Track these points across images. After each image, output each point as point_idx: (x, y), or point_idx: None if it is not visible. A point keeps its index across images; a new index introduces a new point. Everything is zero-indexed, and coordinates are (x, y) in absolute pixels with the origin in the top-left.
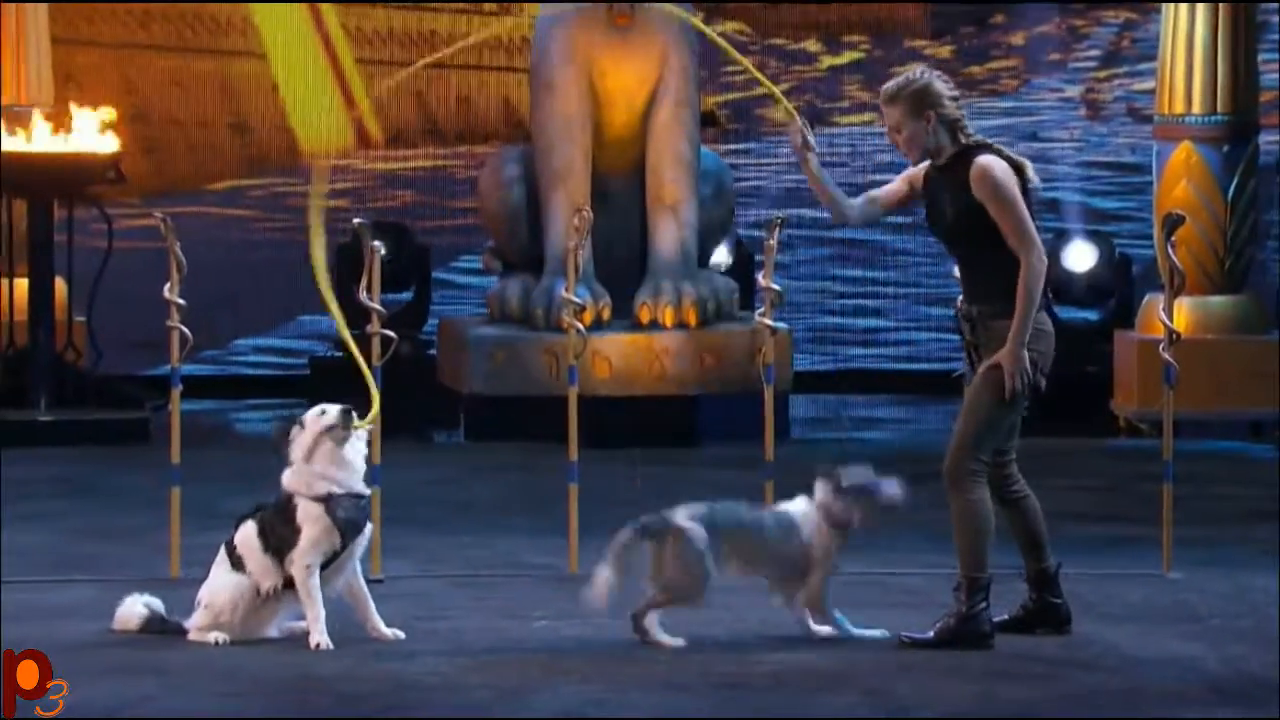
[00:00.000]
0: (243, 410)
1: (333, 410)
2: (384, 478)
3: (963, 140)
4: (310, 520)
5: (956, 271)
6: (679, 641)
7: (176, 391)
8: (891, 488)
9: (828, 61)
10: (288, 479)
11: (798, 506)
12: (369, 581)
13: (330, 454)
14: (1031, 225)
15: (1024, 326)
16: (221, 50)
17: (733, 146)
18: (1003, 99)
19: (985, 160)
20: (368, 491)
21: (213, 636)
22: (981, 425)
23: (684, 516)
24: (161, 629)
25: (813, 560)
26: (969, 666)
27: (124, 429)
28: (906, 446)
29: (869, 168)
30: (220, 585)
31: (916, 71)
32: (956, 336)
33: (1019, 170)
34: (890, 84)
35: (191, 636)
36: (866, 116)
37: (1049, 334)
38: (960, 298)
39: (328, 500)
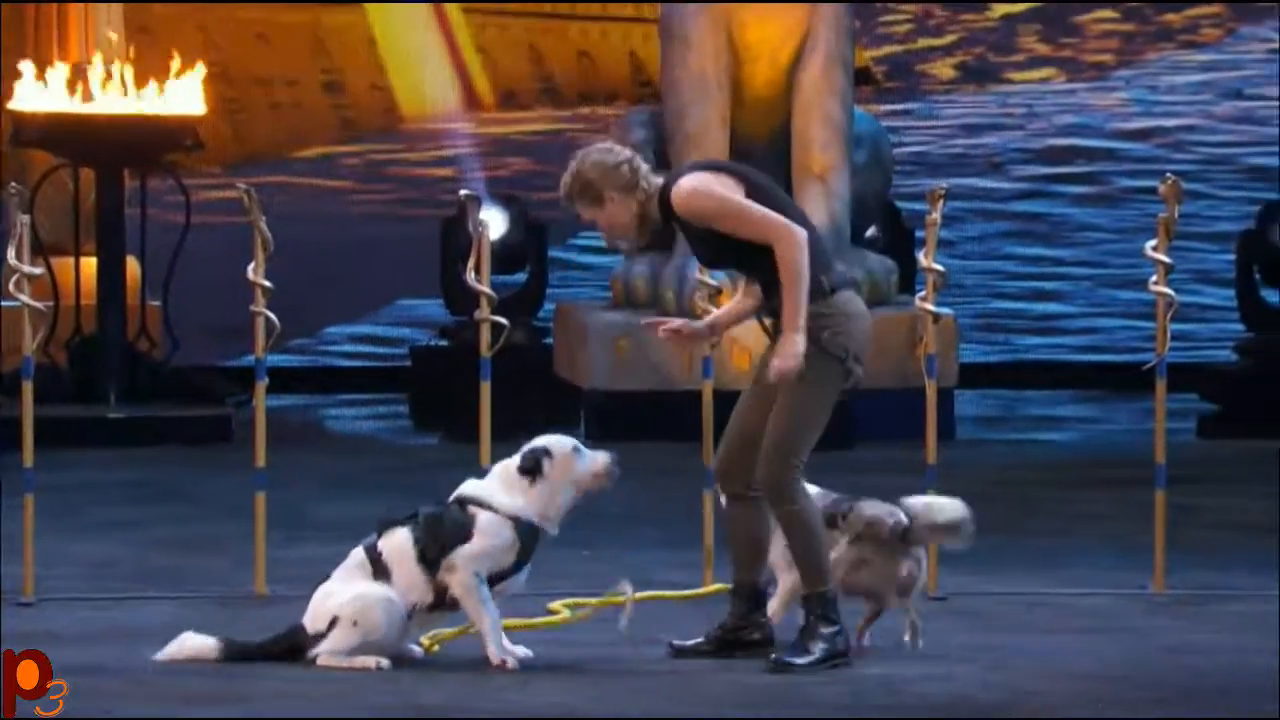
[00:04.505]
0: (336, 406)
1: (602, 457)
2: None
3: (651, 191)
4: (491, 532)
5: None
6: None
7: (262, 385)
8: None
9: (1001, 10)
10: (480, 490)
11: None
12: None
13: (551, 492)
14: (764, 213)
15: (797, 312)
16: None
17: (891, 107)
18: (1202, 50)
19: (675, 190)
20: (553, 533)
21: (372, 661)
22: (796, 427)
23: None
24: (243, 656)
25: None
26: (1165, 698)
27: (203, 427)
28: (1092, 448)
29: (1050, 131)
30: (370, 600)
31: (574, 163)
32: (1148, 323)
33: (726, 170)
34: (561, 184)
35: (331, 662)
36: (1045, 72)
37: (859, 315)
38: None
39: (516, 519)
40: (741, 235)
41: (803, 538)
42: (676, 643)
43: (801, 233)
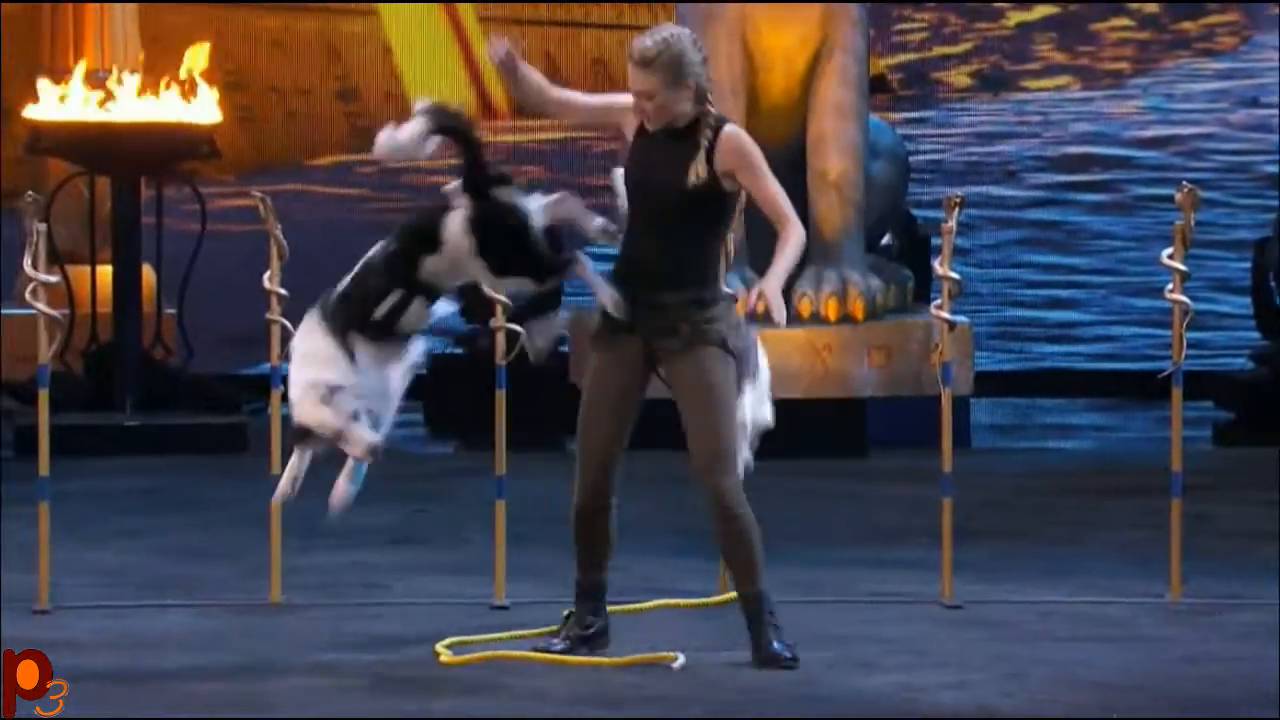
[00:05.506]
0: None
1: None
2: (510, 490)
3: (701, 106)
4: None
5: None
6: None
7: (277, 393)
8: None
9: (1016, 18)
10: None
11: None
12: (494, 608)
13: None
14: (783, 193)
15: (787, 270)
16: (328, 8)
17: (907, 115)
18: (1219, 59)
19: (737, 130)
20: None
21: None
22: (730, 430)
23: None
24: None
25: None
26: (1182, 707)
27: (219, 435)
28: (1108, 456)
29: (1066, 138)
30: None
31: (671, 33)
32: (1164, 331)
33: None
34: (645, 45)
35: None
36: (1061, 80)
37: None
38: (630, 280)
39: None
40: (762, 195)
41: (750, 539)
42: (539, 644)
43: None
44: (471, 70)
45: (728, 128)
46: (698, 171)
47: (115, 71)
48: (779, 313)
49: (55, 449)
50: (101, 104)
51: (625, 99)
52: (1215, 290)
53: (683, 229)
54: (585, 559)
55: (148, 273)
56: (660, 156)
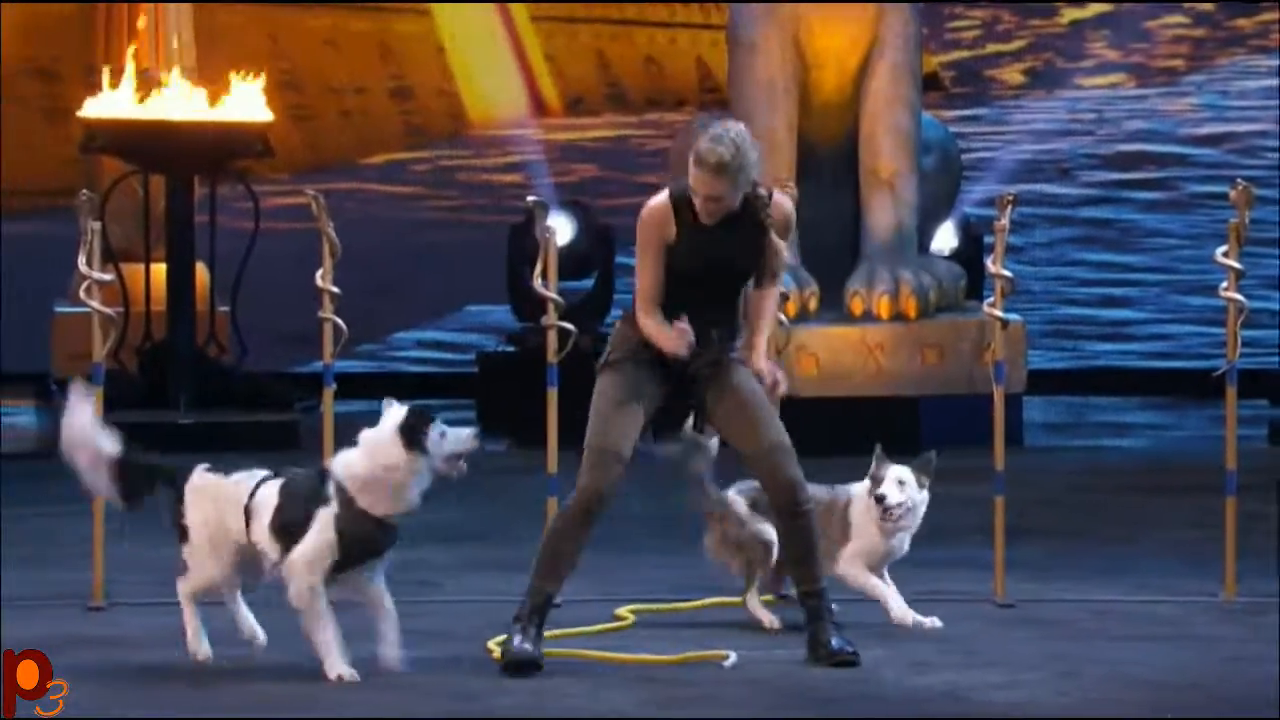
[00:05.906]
0: None
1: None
2: (561, 488)
3: (757, 191)
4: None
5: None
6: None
7: (329, 391)
8: None
9: (1070, 15)
10: (346, 470)
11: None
12: (553, 606)
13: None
14: None
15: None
16: (381, 7)
17: (959, 113)
18: (1273, 56)
19: (781, 194)
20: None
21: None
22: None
23: (733, 491)
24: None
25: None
26: (1235, 707)
27: (272, 432)
28: (1162, 455)
29: (1119, 136)
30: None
31: (736, 136)
32: (1219, 329)
33: None
34: (720, 154)
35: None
36: (1114, 78)
37: None
38: (684, 335)
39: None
40: (783, 257)
41: (814, 536)
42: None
43: None
44: (523, 68)
45: (775, 196)
46: (755, 245)
47: (165, 71)
48: (786, 382)
49: None
50: (141, 99)
51: (654, 229)
52: (1270, 288)
53: (736, 292)
54: (554, 569)
55: (201, 271)
56: (719, 242)
